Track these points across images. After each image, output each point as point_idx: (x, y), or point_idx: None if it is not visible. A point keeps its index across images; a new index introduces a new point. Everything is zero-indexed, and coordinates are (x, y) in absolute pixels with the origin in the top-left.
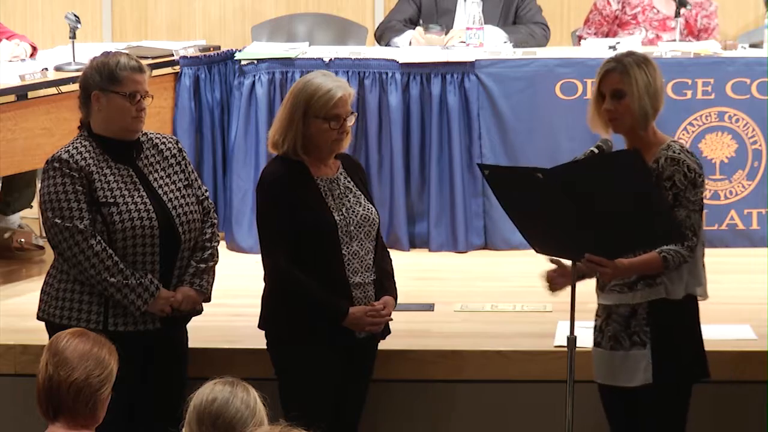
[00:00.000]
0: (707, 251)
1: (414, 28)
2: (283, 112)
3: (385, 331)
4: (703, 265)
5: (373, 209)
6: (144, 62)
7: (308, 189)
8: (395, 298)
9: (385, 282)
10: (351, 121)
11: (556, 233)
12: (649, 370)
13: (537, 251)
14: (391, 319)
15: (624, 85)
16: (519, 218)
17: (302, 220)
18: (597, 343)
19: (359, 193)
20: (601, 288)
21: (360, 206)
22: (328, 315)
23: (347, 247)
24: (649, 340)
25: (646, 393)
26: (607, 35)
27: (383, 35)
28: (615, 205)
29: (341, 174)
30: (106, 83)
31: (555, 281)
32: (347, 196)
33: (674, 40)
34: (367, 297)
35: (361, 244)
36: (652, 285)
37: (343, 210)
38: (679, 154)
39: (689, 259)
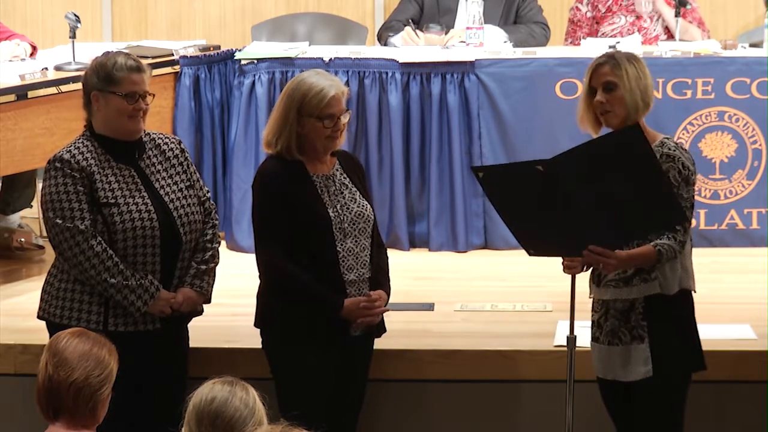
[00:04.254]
0: (707, 251)
1: (414, 28)
2: (277, 113)
3: (381, 329)
4: (690, 260)
5: (368, 206)
6: (144, 62)
7: (303, 185)
8: (388, 295)
9: (380, 278)
10: (345, 119)
11: (555, 230)
12: (649, 364)
13: (531, 254)
14: (387, 310)
15: (615, 77)
16: (515, 219)
17: (297, 216)
18: (595, 338)
19: (355, 189)
20: (596, 282)
21: (354, 203)
22: (324, 310)
23: (341, 244)
24: (647, 335)
25: (643, 387)
26: (588, 36)
27: (381, 35)
28: (617, 186)
29: (337, 170)
30: (104, 84)
31: (571, 266)
32: (342, 193)
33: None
34: (361, 294)
35: (356, 241)
36: (647, 280)
37: (338, 206)
38: (674, 151)
39: (679, 254)
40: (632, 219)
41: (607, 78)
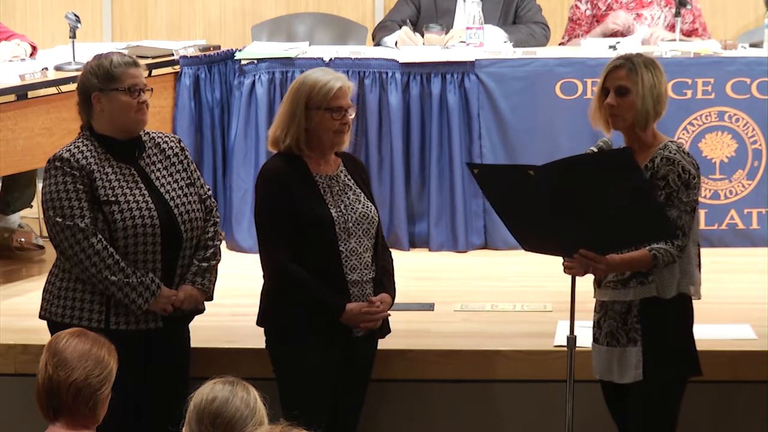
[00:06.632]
0: (707, 251)
1: (412, 28)
2: (284, 108)
3: (385, 330)
4: (698, 265)
5: (373, 207)
6: (144, 62)
7: (307, 185)
8: (393, 297)
9: (384, 280)
10: (351, 114)
11: (548, 231)
12: (640, 367)
13: (526, 249)
14: (389, 314)
15: (630, 83)
16: (509, 217)
17: (300, 216)
18: (595, 339)
19: (359, 191)
20: (598, 284)
21: (359, 203)
22: (326, 311)
23: (345, 244)
24: (640, 338)
25: (636, 389)
26: (587, 35)
27: (375, 35)
28: (607, 201)
29: (341, 171)
30: (104, 83)
31: (571, 266)
32: (346, 193)
33: (659, 18)
34: (364, 295)
35: (360, 242)
36: (644, 283)
37: (342, 206)
38: (674, 154)
39: (677, 259)
40: (622, 229)
41: (621, 82)
